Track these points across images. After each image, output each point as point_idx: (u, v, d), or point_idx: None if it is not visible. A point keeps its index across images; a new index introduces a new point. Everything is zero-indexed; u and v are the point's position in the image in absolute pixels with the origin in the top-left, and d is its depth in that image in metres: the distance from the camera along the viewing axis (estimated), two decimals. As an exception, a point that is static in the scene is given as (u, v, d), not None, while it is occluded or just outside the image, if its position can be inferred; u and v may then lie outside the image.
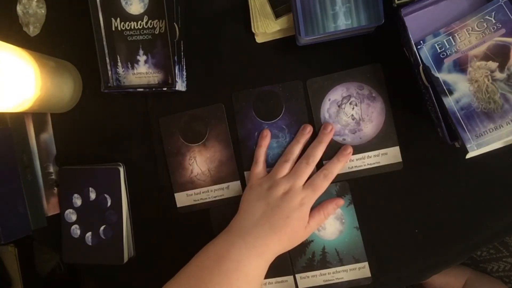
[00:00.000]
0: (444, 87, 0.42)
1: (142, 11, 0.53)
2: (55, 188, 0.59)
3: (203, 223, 0.56)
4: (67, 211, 0.58)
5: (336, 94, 0.52)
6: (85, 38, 0.54)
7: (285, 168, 0.51)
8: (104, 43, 0.53)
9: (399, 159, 0.51)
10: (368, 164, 0.51)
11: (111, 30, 0.53)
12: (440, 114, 0.43)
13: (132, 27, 0.53)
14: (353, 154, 0.51)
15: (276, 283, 0.54)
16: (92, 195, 0.57)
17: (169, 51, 0.51)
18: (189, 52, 0.55)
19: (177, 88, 0.52)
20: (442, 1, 0.44)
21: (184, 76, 0.55)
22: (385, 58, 0.50)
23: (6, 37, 0.50)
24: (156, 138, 0.57)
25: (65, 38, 0.59)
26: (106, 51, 0.54)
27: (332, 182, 0.51)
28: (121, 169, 0.56)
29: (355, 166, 0.52)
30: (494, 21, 0.41)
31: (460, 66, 0.42)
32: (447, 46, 0.43)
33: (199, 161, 0.56)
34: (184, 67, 0.55)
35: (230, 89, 0.54)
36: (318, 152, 0.51)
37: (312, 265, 0.53)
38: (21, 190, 0.55)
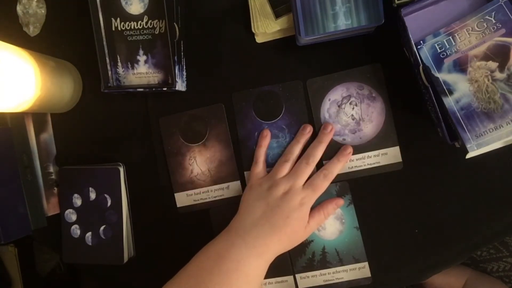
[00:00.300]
0: (444, 87, 0.42)
1: (142, 11, 0.53)
2: (55, 188, 0.59)
3: (203, 223, 0.56)
4: (67, 211, 0.58)
5: (336, 94, 0.52)
6: (85, 38, 0.54)
7: (285, 168, 0.51)
8: (104, 43, 0.53)
9: (399, 159, 0.51)
10: (368, 164, 0.51)
11: (111, 30, 0.53)
12: (440, 114, 0.43)
13: (132, 27, 0.53)
14: (353, 154, 0.51)
15: (276, 283, 0.54)
16: (92, 195, 0.57)
17: (169, 51, 0.51)
18: (189, 52, 0.55)
19: (177, 88, 0.52)
20: (442, 1, 0.44)
21: (184, 76, 0.55)
22: (385, 58, 0.50)
23: (6, 37, 0.50)
24: (156, 138, 0.57)
25: (65, 38, 0.59)
26: (106, 51, 0.54)
27: (332, 182, 0.51)
28: (121, 169, 0.56)
29: (355, 166, 0.52)
30: (494, 21, 0.41)
31: (460, 66, 0.42)
32: (447, 46, 0.43)
33: (199, 161, 0.56)
34: (184, 67, 0.55)
35: (230, 89, 0.54)
36: (318, 152, 0.51)
37: (312, 265, 0.53)
38: (21, 190, 0.55)
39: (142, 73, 0.54)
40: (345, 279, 0.53)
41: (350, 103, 0.51)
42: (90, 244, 0.57)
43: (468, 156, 0.42)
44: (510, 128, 0.40)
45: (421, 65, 0.43)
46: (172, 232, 0.58)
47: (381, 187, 0.52)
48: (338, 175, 0.51)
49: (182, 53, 0.54)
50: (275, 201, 0.48)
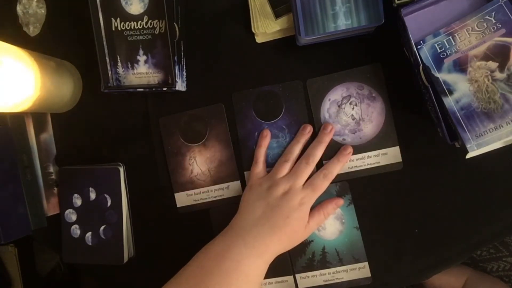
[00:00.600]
0: (444, 87, 0.42)
1: (142, 11, 0.53)
2: (55, 188, 0.59)
3: (203, 223, 0.56)
4: (67, 211, 0.58)
5: (336, 94, 0.52)
6: (85, 38, 0.54)
7: (285, 168, 0.51)
8: (104, 43, 0.53)
9: (399, 159, 0.51)
10: (368, 164, 0.51)
11: (111, 30, 0.53)
12: (440, 114, 0.43)
13: (132, 27, 0.53)
14: (353, 154, 0.51)
15: (276, 283, 0.54)
16: (92, 195, 0.57)
17: (169, 51, 0.51)
18: (189, 52, 0.55)
19: (177, 88, 0.52)
20: (442, 1, 0.44)
21: (184, 76, 0.55)
22: (385, 58, 0.50)
23: (6, 37, 0.50)
24: (156, 138, 0.57)
25: (65, 38, 0.59)
26: (106, 51, 0.54)
27: (332, 182, 0.51)
28: (121, 169, 0.56)
29: (355, 166, 0.52)
30: (494, 21, 0.41)
31: (460, 66, 0.42)
32: (447, 46, 0.43)
33: (199, 161, 0.56)
34: (184, 67, 0.55)
35: (230, 89, 0.54)
36: (318, 152, 0.51)
37: (312, 265, 0.53)
38: (21, 190, 0.55)
39: (142, 73, 0.54)
40: (345, 279, 0.53)
41: (350, 103, 0.51)
42: (90, 244, 0.57)
43: (468, 156, 0.42)
44: (510, 128, 0.40)
45: (421, 65, 0.43)
46: (172, 232, 0.58)
47: (381, 187, 0.52)
48: (338, 175, 0.51)
49: (182, 53, 0.54)
50: (275, 201, 0.48)
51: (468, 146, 0.41)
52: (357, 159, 0.52)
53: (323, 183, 0.50)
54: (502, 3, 0.41)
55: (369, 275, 0.52)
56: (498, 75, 0.41)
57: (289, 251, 0.51)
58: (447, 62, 0.42)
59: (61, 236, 0.58)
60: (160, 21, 0.52)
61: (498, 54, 0.41)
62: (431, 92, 0.43)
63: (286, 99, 0.53)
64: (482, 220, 0.49)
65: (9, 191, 0.54)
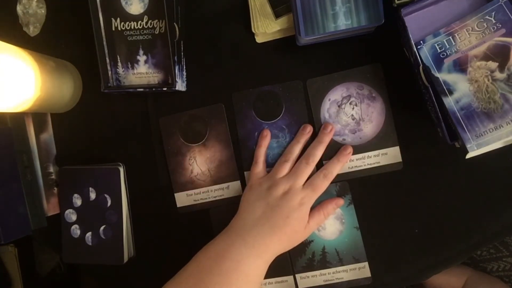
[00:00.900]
0: (444, 87, 0.42)
1: (142, 11, 0.53)
2: (55, 188, 0.59)
3: (203, 223, 0.56)
4: (67, 211, 0.58)
5: (336, 94, 0.52)
6: (85, 38, 0.54)
7: (285, 168, 0.51)
8: (104, 43, 0.53)
9: (399, 159, 0.51)
10: (368, 164, 0.51)
11: (111, 30, 0.53)
12: (440, 114, 0.43)
13: (132, 27, 0.53)
14: (353, 154, 0.51)
15: (276, 283, 0.54)
16: (92, 195, 0.57)
17: (169, 51, 0.51)
18: (189, 52, 0.55)
19: (177, 88, 0.52)
20: (442, 1, 0.44)
21: (184, 76, 0.55)
22: (385, 58, 0.50)
23: (6, 37, 0.50)
24: (156, 138, 0.57)
25: (65, 38, 0.59)
26: (106, 51, 0.54)
27: (332, 182, 0.51)
28: (121, 169, 0.56)
29: (355, 166, 0.52)
30: (494, 21, 0.41)
31: (460, 66, 0.42)
32: (447, 46, 0.43)
33: (199, 161, 0.56)
34: (184, 67, 0.55)
35: (230, 89, 0.54)
36: (318, 152, 0.51)
37: (312, 265, 0.53)
38: (21, 190, 0.55)
39: (142, 73, 0.54)
40: (345, 279, 0.53)
41: (350, 103, 0.51)
42: (90, 244, 0.57)
43: (468, 156, 0.42)
44: (510, 128, 0.40)
45: (421, 65, 0.43)
46: (172, 232, 0.58)
47: (381, 187, 0.52)
48: (338, 175, 0.51)
49: (182, 53, 0.54)
50: (275, 201, 0.48)
51: (468, 146, 0.41)
52: (357, 159, 0.52)
53: (323, 183, 0.50)
54: (502, 3, 0.41)
55: (369, 275, 0.52)
56: (498, 75, 0.41)
57: (289, 251, 0.51)
58: (447, 62, 0.42)
59: (61, 236, 0.58)
60: (160, 21, 0.52)
61: (498, 54, 0.41)
62: (431, 92, 0.43)
63: (286, 99, 0.53)
64: (482, 220, 0.49)
65: (9, 191, 0.54)
